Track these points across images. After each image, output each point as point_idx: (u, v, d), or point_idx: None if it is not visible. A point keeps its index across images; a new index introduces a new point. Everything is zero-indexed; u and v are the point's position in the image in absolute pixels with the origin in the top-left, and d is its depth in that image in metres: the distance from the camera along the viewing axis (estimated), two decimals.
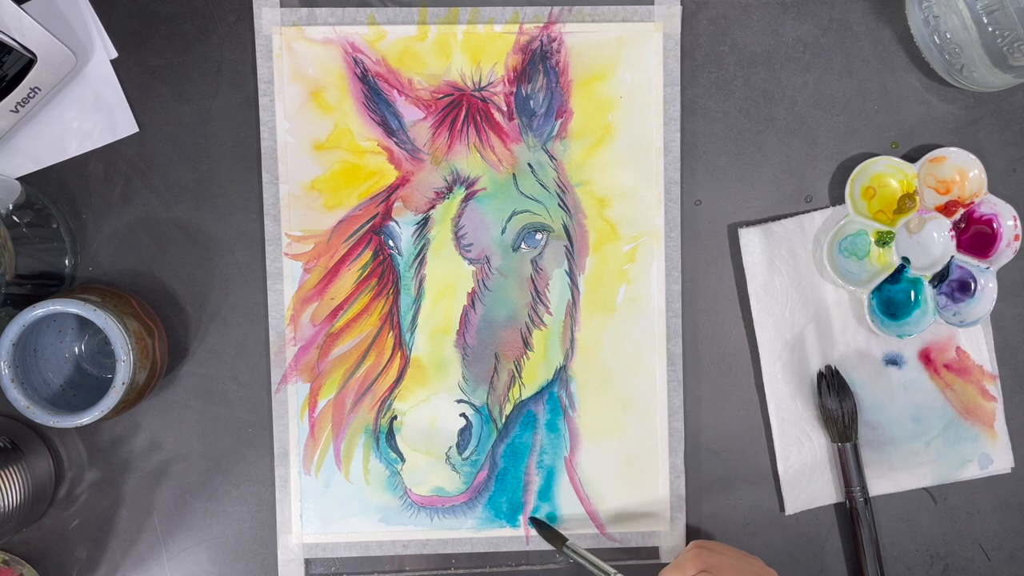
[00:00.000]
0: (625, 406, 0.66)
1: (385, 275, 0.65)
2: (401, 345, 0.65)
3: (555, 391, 0.66)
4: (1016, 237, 0.65)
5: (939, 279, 0.66)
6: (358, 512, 0.66)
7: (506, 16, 0.64)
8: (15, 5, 0.58)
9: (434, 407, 0.65)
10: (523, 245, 0.65)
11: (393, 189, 0.65)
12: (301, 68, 0.64)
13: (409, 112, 0.65)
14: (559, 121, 0.65)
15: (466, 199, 0.65)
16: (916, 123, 0.67)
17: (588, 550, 0.66)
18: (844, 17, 0.67)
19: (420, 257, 0.65)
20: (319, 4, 0.64)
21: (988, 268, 0.66)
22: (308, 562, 0.66)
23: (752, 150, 0.67)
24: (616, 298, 0.66)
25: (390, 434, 0.65)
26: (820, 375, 0.66)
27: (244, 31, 0.65)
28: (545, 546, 0.66)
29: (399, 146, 0.65)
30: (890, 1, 0.67)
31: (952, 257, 0.66)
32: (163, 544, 0.66)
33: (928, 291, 0.66)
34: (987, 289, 0.66)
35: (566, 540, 0.63)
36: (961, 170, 0.65)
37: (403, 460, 0.65)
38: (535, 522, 0.65)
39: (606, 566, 0.61)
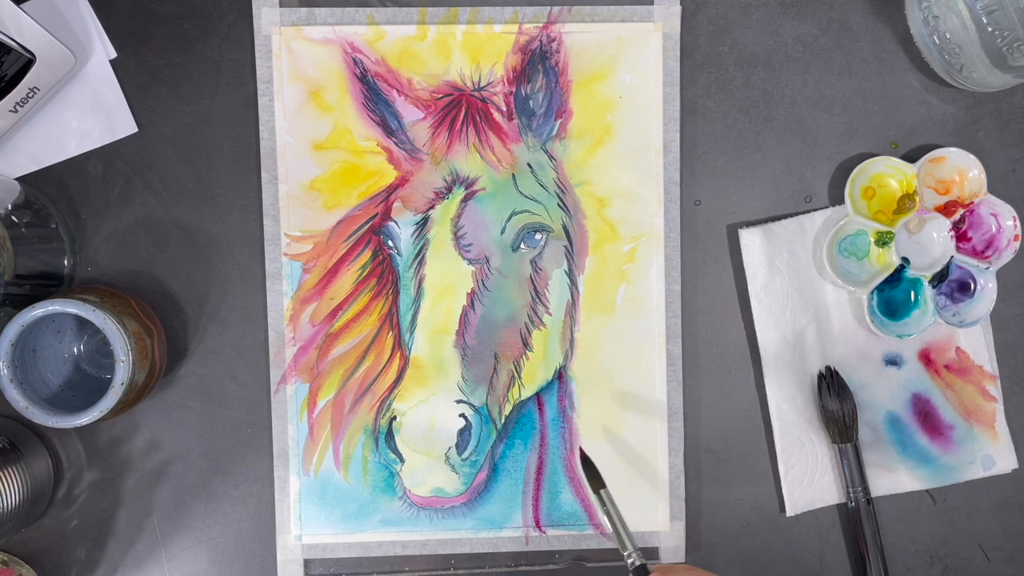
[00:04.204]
0: (625, 406, 0.66)
1: (384, 275, 0.65)
2: (400, 345, 0.65)
3: (555, 391, 0.66)
4: (1016, 237, 0.65)
5: (939, 279, 0.66)
6: (357, 513, 0.65)
7: (505, 16, 0.64)
8: (14, 5, 0.58)
9: (433, 407, 0.65)
10: (522, 245, 0.65)
11: (392, 189, 0.65)
12: (300, 68, 0.64)
13: (408, 112, 0.65)
14: (558, 121, 0.65)
15: (465, 199, 0.65)
16: (916, 123, 0.67)
17: (587, 551, 0.66)
18: (844, 17, 0.66)
19: (419, 257, 0.65)
20: (318, 4, 0.64)
21: (988, 268, 0.66)
22: (307, 563, 0.66)
23: (752, 150, 0.67)
24: (616, 298, 0.66)
25: (389, 434, 0.65)
26: (820, 376, 0.66)
27: (243, 31, 0.64)
28: (545, 546, 0.66)
29: (398, 146, 0.65)
30: (890, 1, 0.67)
31: (952, 257, 0.66)
32: (162, 545, 0.65)
33: (928, 291, 0.66)
34: (987, 289, 0.66)
35: (604, 487, 0.60)
36: (961, 170, 0.65)
37: (402, 461, 0.65)
38: (584, 458, 0.62)
39: (628, 539, 0.58)
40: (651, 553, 0.66)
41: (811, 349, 0.67)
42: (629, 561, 0.57)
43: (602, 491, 0.60)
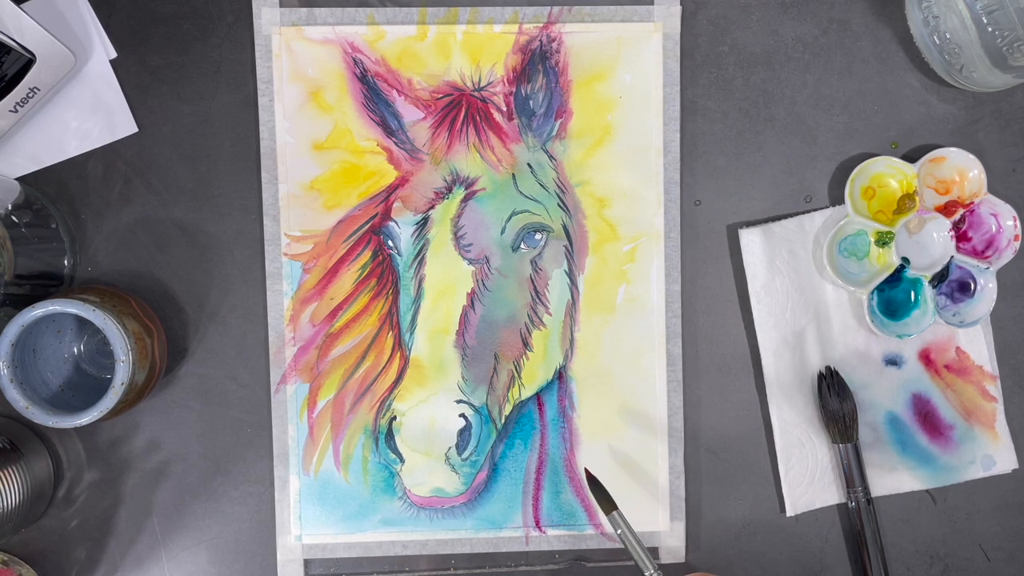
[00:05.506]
0: (625, 406, 0.66)
1: (384, 275, 0.65)
2: (400, 345, 0.65)
3: (555, 391, 0.66)
4: (1016, 237, 0.65)
5: (939, 279, 0.66)
6: (357, 513, 0.65)
7: (505, 16, 0.64)
8: (14, 5, 0.58)
9: (433, 407, 0.65)
10: (523, 245, 0.65)
11: (392, 189, 0.65)
12: (300, 68, 0.64)
13: (408, 112, 0.65)
14: (558, 121, 0.65)
15: (465, 199, 0.65)
16: (916, 123, 0.67)
17: (587, 551, 0.66)
18: (844, 17, 0.67)
19: (419, 257, 0.65)
20: (318, 4, 0.64)
21: (988, 268, 0.66)
22: (307, 563, 0.66)
23: (752, 150, 0.67)
24: (616, 298, 0.66)
25: (389, 435, 0.65)
26: (820, 376, 0.66)
27: (243, 31, 0.64)
28: (545, 546, 0.66)
29: (398, 146, 0.65)
30: (890, 1, 0.67)
31: (952, 257, 0.66)
32: (162, 545, 0.65)
33: (928, 291, 0.66)
34: (987, 289, 0.66)
35: (616, 508, 0.61)
36: (961, 170, 0.65)
37: (402, 461, 0.65)
38: (589, 477, 0.62)
39: (646, 558, 0.59)
40: (651, 553, 0.66)
41: (811, 349, 0.67)
42: None
43: (614, 513, 0.60)
